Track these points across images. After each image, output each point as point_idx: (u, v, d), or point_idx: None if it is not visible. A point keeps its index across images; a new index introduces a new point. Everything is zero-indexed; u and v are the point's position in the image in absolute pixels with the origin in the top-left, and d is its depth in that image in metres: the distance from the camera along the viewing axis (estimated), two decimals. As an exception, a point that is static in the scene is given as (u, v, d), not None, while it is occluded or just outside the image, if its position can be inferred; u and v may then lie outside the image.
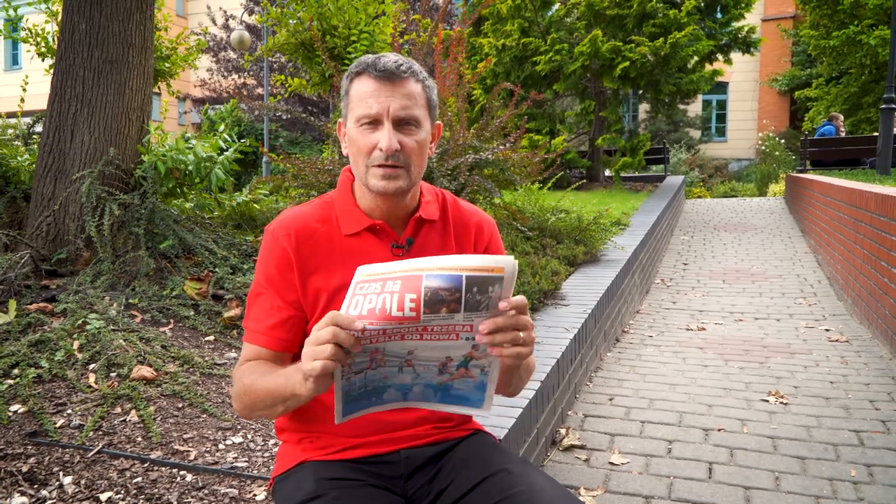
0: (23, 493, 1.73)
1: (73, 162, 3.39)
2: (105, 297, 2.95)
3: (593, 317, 3.63)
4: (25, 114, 4.85)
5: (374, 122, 1.19)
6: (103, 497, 1.74)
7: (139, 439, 2.04)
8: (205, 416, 2.23)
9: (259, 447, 2.06)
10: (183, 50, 5.58)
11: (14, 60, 25.15)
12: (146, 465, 1.91)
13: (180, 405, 2.28)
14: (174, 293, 3.09)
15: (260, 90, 19.62)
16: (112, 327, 2.71)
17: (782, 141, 18.83)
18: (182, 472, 1.88)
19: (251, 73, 19.82)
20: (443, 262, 0.94)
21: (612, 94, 11.09)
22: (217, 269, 3.27)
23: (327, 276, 1.23)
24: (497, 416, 2.17)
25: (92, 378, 2.37)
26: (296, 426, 1.30)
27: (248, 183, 5.51)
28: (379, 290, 0.94)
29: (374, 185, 1.20)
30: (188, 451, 2.00)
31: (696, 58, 10.83)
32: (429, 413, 1.28)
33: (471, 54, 11.21)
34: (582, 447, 2.77)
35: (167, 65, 5.29)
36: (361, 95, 1.20)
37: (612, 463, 2.63)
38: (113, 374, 2.41)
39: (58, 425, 2.07)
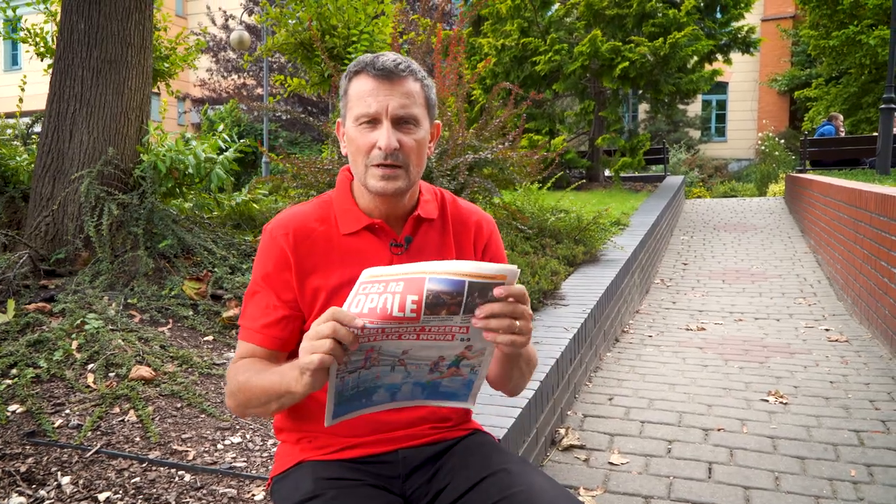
0: (21, 493, 1.73)
1: (71, 162, 3.38)
2: (104, 297, 2.95)
3: (593, 317, 3.63)
4: (24, 114, 4.85)
5: (373, 122, 1.19)
6: (101, 497, 1.74)
7: (137, 439, 2.04)
8: (203, 416, 2.22)
9: (258, 447, 2.05)
10: (182, 50, 5.58)
11: (14, 61, 25.15)
12: (144, 465, 1.90)
13: (179, 405, 2.27)
14: (173, 293, 3.08)
15: (259, 90, 19.62)
16: (111, 327, 2.71)
17: (782, 141, 18.82)
18: (180, 472, 1.88)
19: (251, 73, 19.82)
20: (447, 266, 0.95)
21: (612, 94, 11.08)
22: (216, 269, 3.26)
23: (326, 276, 1.23)
24: (496, 416, 2.16)
25: (90, 378, 2.36)
26: (294, 426, 1.29)
27: (248, 183, 5.51)
28: (381, 290, 0.95)
29: (373, 185, 1.20)
30: (186, 451, 1.99)
31: (695, 58, 10.83)
32: (427, 413, 1.28)
33: (470, 54, 11.21)
34: (581, 447, 2.76)
35: (166, 65, 5.29)
36: (360, 94, 1.19)
37: (611, 463, 2.63)
38: (111, 374, 2.41)
39: (56, 425, 2.06)
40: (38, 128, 4.44)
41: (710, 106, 21.91)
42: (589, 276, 4.42)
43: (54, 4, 4.91)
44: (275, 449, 1.90)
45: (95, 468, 1.87)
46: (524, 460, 1.26)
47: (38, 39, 4.94)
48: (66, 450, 1.95)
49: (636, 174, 14.03)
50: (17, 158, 3.94)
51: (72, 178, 3.35)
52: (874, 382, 3.59)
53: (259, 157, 16.36)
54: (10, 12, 5.11)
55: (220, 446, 2.04)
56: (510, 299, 0.98)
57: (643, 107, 19.29)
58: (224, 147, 4.01)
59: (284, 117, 17.97)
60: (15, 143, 4.48)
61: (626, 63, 9.78)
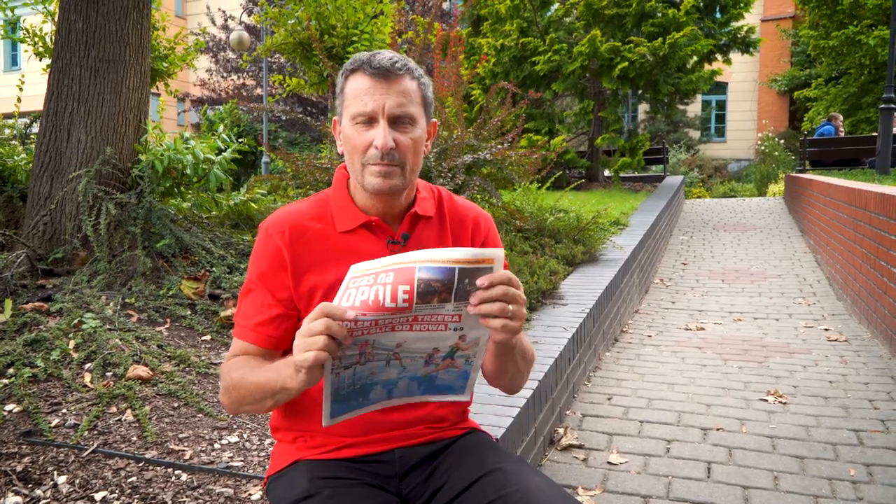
0: (17, 493, 1.72)
1: (69, 161, 3.38)
2: (101, 297, 2.94)
3: (592, 316, 3.62)
4: (23, 114, 4.85)
5: (370, 120, 1.18)
6: (98, 497, 1.73)
7: (134, 439, 2.03)
8: (200, 415, 2.22)
9: (255, 447, 2.05)
10: (181, 49, 5.57)
11: (13, 61, 25.15)
12: (141, 464, 1.90)
13: (176, 405, 2.27)
14: (171, 293, 3.08)
15: (259, 91, 19.61)
16: (108, 327, 2.70)
17: (782, 141, 18.82)
18: (177, 472, 1.87)
19: (250, 73, 19.81)
20: (434, 254, 0.96)
21: (611, 94, 11.08)
22: (214, 269, 3.26)
23: (322, 273, 1.22)
24: (495, 416, 2.16)
25: (87, 377, 2.36)
26: (291, 425, 1.29)
27: (247, 182, 5.50)
28: (371, 282, 0.96)
29: (370, 183, 1.20)
30: (183, 450, 1.99)
31: (695, 58, 10.83)
32: (424, 413, 1.27)
33: (469, 54, 11.21)
34: (580, 447, 2.76)
35: (165, 64, 5.28)
36: (356, 93, 1.19)
37: (610, 462, 2.62)
38: (108, 374, 2.40)
39: (53, 425, 2.06)
40: (36, 127, 4.43)
41: (709, 106, 21.91)
42: (588, 276, 4.41)
43: (53, 4, 4.90)
44: (272, 448, 1.89)
45: (92, 468, 1.86)
46: (521, 459, 1.26)
47: (36, 39, 4.93)
48: (62, 449, 1.94)
49: (636, 174, 14.03)
50: (15, 158, 3.94)
51: (70, 178, 3.34)
52: (873, 382, 3.59)
53: (258, 157, 16.35)
54: (9, 13, 5.10)
55: (216, 446, 2.03)
56: (499, 285, 0.99)
57: (643, 107, 19.29)
58: (222, 147, 4.01)
59: (284, 117, 17.96)
60: (13, 142, 4.47)
61: (626, 63, 9.77)
